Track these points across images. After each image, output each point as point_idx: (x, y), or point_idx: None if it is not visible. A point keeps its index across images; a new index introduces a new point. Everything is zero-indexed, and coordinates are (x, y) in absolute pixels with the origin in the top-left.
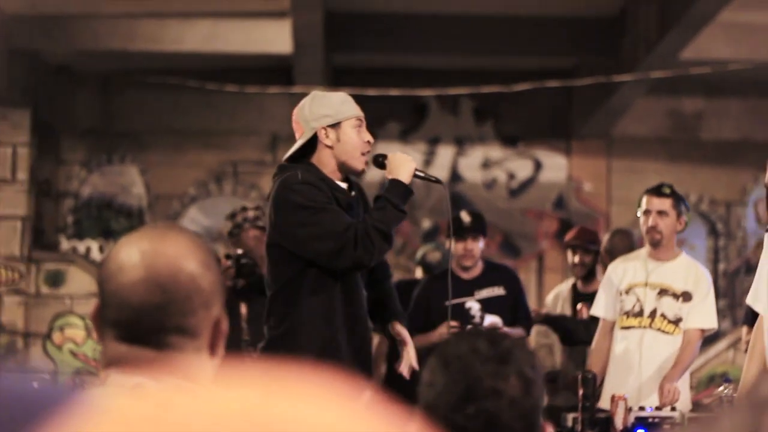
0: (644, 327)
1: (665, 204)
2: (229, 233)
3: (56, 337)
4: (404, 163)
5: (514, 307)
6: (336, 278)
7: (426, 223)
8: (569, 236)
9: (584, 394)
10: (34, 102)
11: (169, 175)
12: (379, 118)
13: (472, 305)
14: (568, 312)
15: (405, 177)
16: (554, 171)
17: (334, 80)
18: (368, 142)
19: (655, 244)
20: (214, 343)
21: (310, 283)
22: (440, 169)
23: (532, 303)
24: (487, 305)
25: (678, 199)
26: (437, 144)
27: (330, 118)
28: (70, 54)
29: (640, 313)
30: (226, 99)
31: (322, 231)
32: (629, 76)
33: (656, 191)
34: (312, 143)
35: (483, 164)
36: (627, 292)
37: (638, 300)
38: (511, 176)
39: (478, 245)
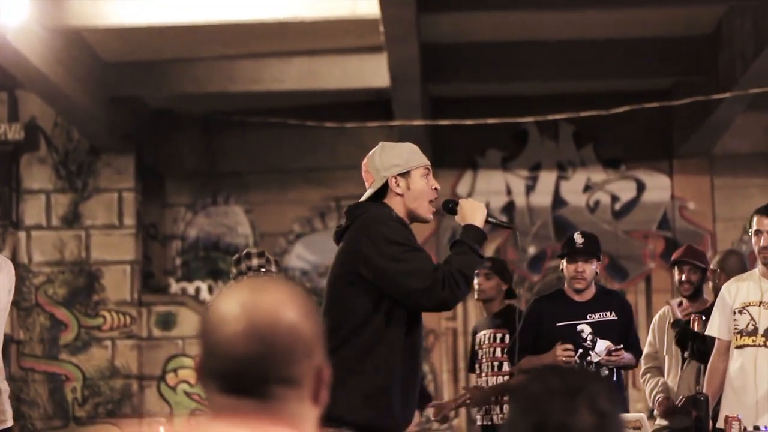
0: (758, 345)
1: None
2: (233, 278)
3: (170, 378)
4: (477, 209)
5: (624, 332)
6: (405, 318)
7: (532, 249)
8: (677, 254)
9: (698, 417)
10: (137, 147)
11: (273, 214)
12: (479, 147)
13: (584, 328)
14: (671, 334)
15: (479, 222)
16: (657, 191)
17: (433, 112)
18: (435, 189)
19: None
20: (317, 392)
21: (379, 318)
22: (543, 195)
23: (642, 324)
24: (599, 329)
25: None
26: (539, 170)
27: (400, 167)
28: (170, 98)
29: (755, 332)
30: (327, 135)
31: (414, 268)
32: (728, 93)
33: (766, 211)
34: (382, 192)
35: (585, 188)
36: (741, 311)
37: (752, 319)
38: (615, 198)
39: (591, 267)
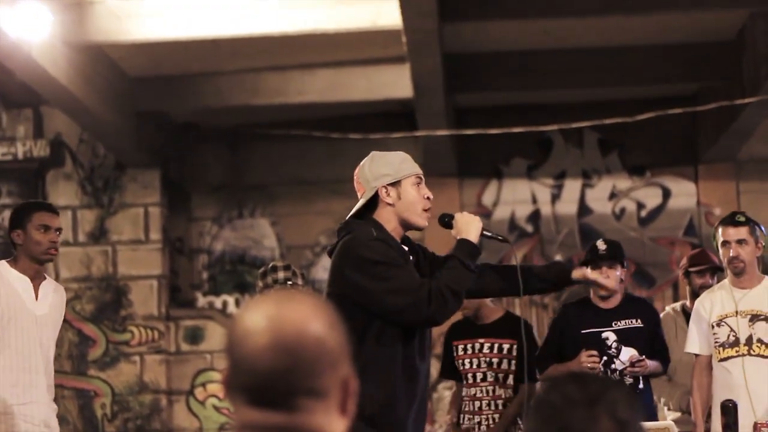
0: (743, 355)
1: (742, 233)
2: (260, 292)
3: (199, 393)
4: (471, 222)
5: (651, 340)
6: (399, 333)
7: (558, 258)
8: (693, 262)
9: (726, 424)
10: (162, 161)
11: (299, 226)
12: (504, 156)
13: (609, 335)
14: (683, 333)
15: (473, 237)
16: (683, 197)
17: (457, 121)
18: (428, 198)
19: (739, 273)
20: (344, 403)
21: (371, 336)
22: (568, 203)
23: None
24: (624, 336)
25: (753, 225)
26: (564, 178)
27: (390, 177)
28: (195, 112)
29: (736, 343)
30: (351, 146)
31: (397, 286)
32: (752, 98)
33: (731, 221)
34: (373, 202)
35: (611, 195)
36: (719, 324)
37: (731, 330)
38: (640, 205)
39: (615, 273)
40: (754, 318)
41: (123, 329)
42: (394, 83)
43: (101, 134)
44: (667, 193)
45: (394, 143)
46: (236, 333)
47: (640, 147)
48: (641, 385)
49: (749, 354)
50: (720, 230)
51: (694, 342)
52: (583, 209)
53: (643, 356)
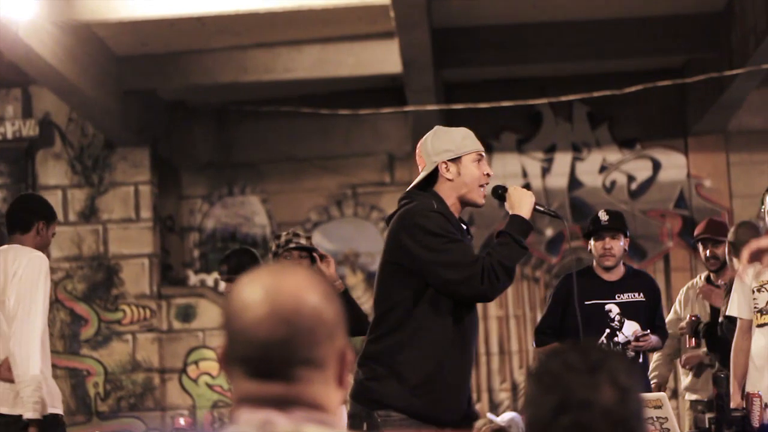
0: None
1: None
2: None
3: (191, 371)
4: (524, 197)
5: (652, 314)
6: (451, 305)
7: (549, 232)
8: (698, 230)
9: (718, 394)
10: (152, 140)
11: (290, 203)
12: (494, 130)
13: (612, 308)
14: (705, 304)
15: (526, 212)
16: (673, 170)
17: (446, 96)
18: (487, 174)
19: None
20: (340, 374)
21: (423, 306)
22: (558, 177)
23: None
24: (627, 310)
25: None
26: (554, 151)
27: (451, 153)
28: (183, 90)
29: None
30: (341, 122)
31: (452, 260)
32: (741, 69)
33: None
34: (434, 176)
35: (601, 168)
36: (759, 290)
37: None
38: (631, 178)
39: (618, 244)
40: None
41: (115, 308)
42: (383, 59)
43: (89, 113)
44: (657, 166)
45: (383, 119)
46: (233, 306)
47: (629, 120)
48: (641, 360)
49: None
50: (767, 197)
51: (735, 306)
52: (574, 182)
53: (647, 331)
